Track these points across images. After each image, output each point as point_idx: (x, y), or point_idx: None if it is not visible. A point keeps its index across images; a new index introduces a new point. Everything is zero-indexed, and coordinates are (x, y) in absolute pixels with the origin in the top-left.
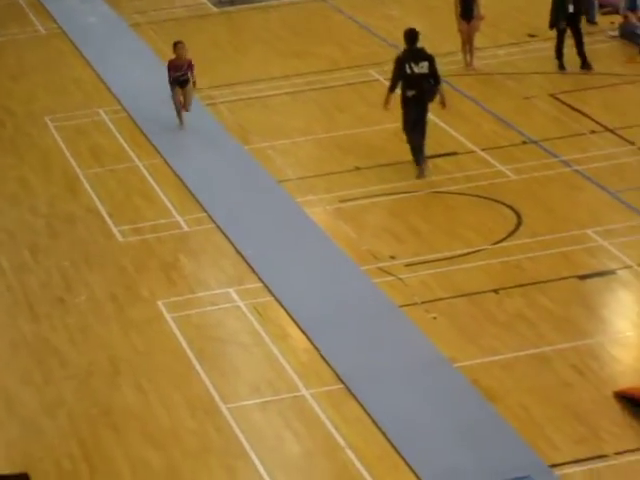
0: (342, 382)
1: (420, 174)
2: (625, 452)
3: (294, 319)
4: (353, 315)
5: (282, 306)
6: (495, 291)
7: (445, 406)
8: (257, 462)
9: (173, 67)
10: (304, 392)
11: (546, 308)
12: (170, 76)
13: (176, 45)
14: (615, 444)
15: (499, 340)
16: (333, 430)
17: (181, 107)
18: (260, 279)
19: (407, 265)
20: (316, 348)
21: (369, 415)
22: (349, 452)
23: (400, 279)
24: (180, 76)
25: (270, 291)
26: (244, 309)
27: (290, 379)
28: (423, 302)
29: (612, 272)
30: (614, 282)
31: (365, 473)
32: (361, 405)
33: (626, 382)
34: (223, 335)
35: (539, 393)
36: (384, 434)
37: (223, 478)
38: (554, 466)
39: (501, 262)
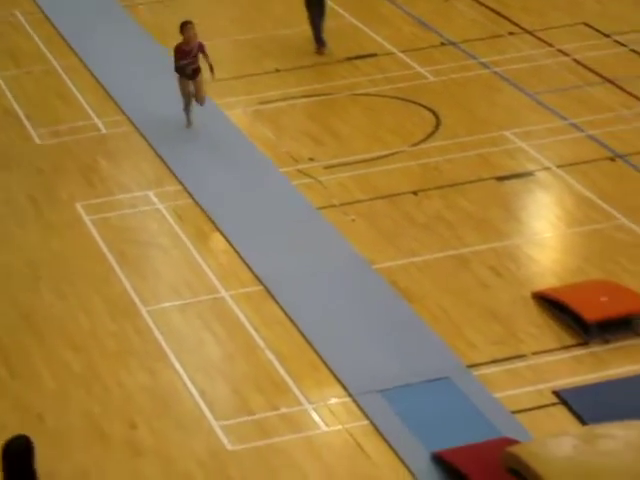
0: (261, 284)
1: (317, 51)
2: (542, 352)
3: (213, 221)
4: (272, 217)
5: (201, 208)
6: (414, 193)
7: (364, 307)
8: (177, 364)
9: (181, 53)
10: (223, 294)
11: (464, 210)
12: (177, 64)
13: (184, 26)
14: (532, 344)
15: (418, 241)
16: (253, 331)
17: (193, 100)
18: (179, 181)
19: (326, 167)
20: (235, 250)
21: (288, 316)
22: (269, 353)
23: (319, 181)
24: (189, 64)
25: (189, 193)
26: (163, 212)
27: (209, 281)
28: (342, 204)
29: (530, 174)
30: (532, 184)
31: (284, 374)
32: (280, 307)
33: (543, 283)
34: (142, 238)
35: (457, 294)
36: (303, 335)
37: (143, 380)
38: (472, 366)
39: (420, 164)
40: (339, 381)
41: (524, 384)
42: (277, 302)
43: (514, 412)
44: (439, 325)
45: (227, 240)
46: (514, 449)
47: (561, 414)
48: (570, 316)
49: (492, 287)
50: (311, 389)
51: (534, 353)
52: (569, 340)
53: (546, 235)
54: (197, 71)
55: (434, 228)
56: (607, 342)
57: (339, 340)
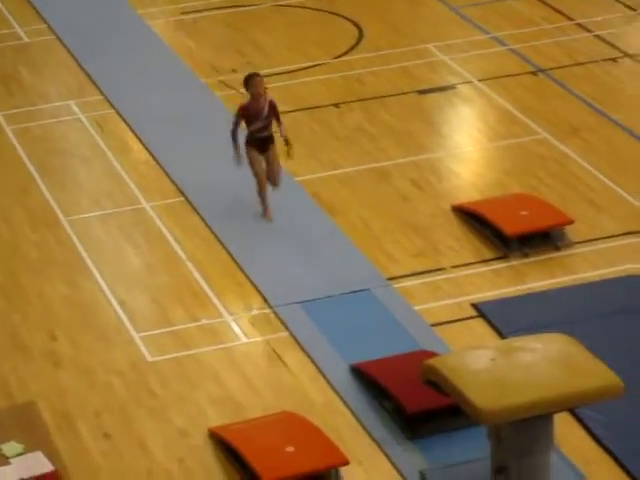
0: (183, 195)
1: None
2: (462, 265)
3: (135, 132)
4: (194, 128)
5: (123, 119)
6: (336, 105)
7: (285, 219)
8: (97, 275)
9: (248, 116)
10: (144, 205)
11: (386, 123)
12: (238, 129)
13: (251, 80)
14: (452, 257)
15: (339, 154)
16: (173, 243)
17: (266, 183)
18: (101, 92)
19: None
20: (157, 161)
21: (209, 228)
22: (189, 265)
23: (241, 93)
24: (261, 130)
25: (111, 104)
26: (85, 122)
27: (130, 192)
28: None
29: (452, 87)
30: (454, 97)
31: (205, 286)
32: (201, 218)
33: (464, 197)
34: (63, 148)
35: (378, 207)
36: (224, 247)
37: (63, 291)
38: (392, 279)
39: (342, 76)
40: (259, 293)
41: (443, 297)
42: (198, 213)
43: (433, 325)
44: (360, 237)
45: (148, 151)
46: (432, 361)
47: (480, 327)
48: (490, 229)
49: (413, 200)
50: (231, 301)
51: (454, 266)
52: (489, 253)
53: (467, 149)
54: (270, 140)
55: (356, 141)
56: (526, 256)
57: (260, 252)
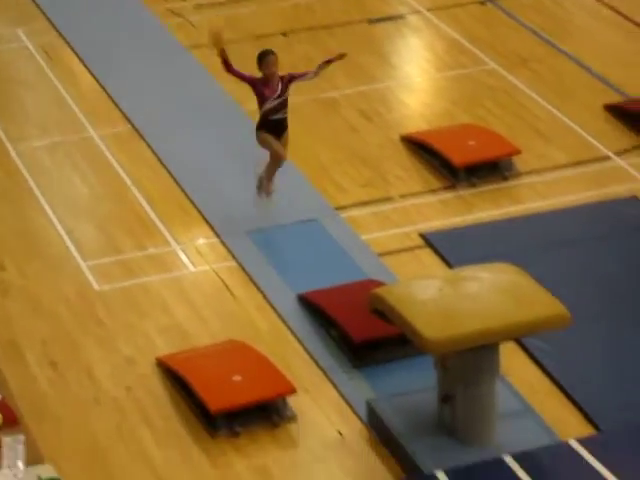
0: (130, 123)
1: None
2: (410, 195)
3: (82, 60)
4: (142, 55)
5: (71, 47)
6: (283, 34)
7: (233, 149)
8: (45, 204)
9: (259, 95)
10: (92, 133)
11: (334, 52)
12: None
13: (263, 59)
14: (400, 187)
15: None
16: (121, 172)
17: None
18: (49, 19)
19: (196, 7)
20: (104, 89)
21: (157, 157)
22: (137, 194)
23: (189, 21)
24: (275, 110)
25: (59, 32)
26: (32, 50)
27: (78, 120)
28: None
29: (401, 17)
30: (403, 27)
31: (153, 215)
32: (149, 147)
33: (412, 127)
34: (10, 76)
35: (327, 137)
36: (172, 176)
37: (11, 220)
38: (340, 209)
39: (291, 4)
40: (207, 222)
41: (391, 227)
42: (146, 142)
43: (381, 254)
44: (308, 168)
45: (96, 79)
46: (380, 291)
47: (427, 257)
48: (438, 159)
49: (361, 130)
50: (179, 230)
51: (402, 196)
52: (436, 183)
53: (416, 79)
54: (285, 124)
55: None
56: (474, 186)
57: (207, 181)
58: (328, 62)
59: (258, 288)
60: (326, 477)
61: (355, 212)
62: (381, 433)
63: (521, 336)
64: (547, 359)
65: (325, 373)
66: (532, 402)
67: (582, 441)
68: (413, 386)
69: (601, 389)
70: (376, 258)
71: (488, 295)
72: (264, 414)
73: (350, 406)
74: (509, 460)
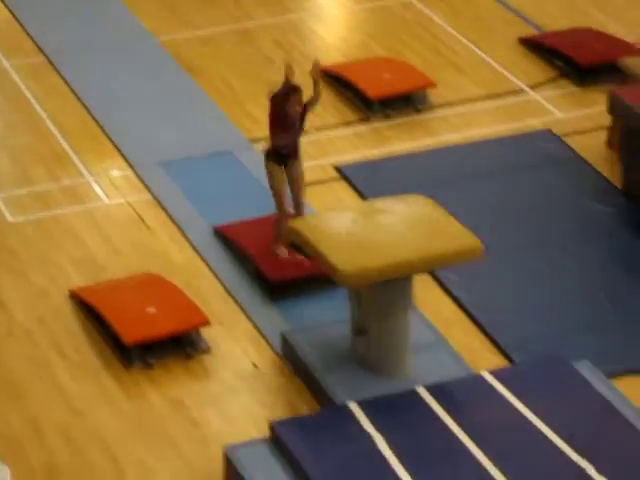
0: (44, 54)
1: None
2: (325, 128)
3: None
4: None
5: None
6: None
7: (148, 80)
8: None
9: (274, 124)
10: (5, 64)
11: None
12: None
13: (291, 94)
14: (315, 119)
15: (201, 14)
16: (34, 103)
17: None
18: None
19: None
20: (17, 20)
21: (71, 89)
22: (50, 125)
23: None
24: (286, 147)
25: None
26: None
27: None
28: None
29: None
30: None
31: (67, 146)
32: (63, 78)
33: (328, 59)
34: None
35: (242, 69)
36: (86, 108)
37: None
38: (255, 141)
39: None
40: (121, 154)
41: (306, 159)
42: (60, 74)
43: None
44: (223, 100)
45: (9, 9)
46: (294, 223)
47: (342, 189)
48: (353, 92)
49: (277, 62)
50: (93, 161)
51: (317, 128)
52: (351, 116)
53: (332, 11)
54: (295, 152)
55: (217, 1)
56: (388, 118)
57: (121, 112)
58: (315, 82)
59: (173, 220)
60: (240, 408)
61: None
62: (295, 365)
63: (434, 268)
64: (460, 291)
65: (240, 305)
66: (445, 334)
67: (494, 373)
68: (327, 318)
69: (513, 321)
70: None
71: (402, 227)
72: (178, 346)
73: (264, 338)
74: (422, 392)
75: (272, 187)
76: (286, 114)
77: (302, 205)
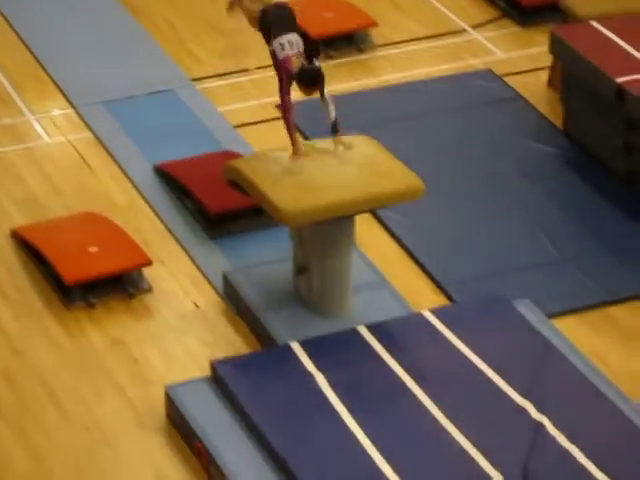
0: None
1: None
2: (266, 67)
3: None
4: None
5: None
6: None
7: (87, 19)
8: None
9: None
10: None
11: None
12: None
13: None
14: (257, 59)
15: None
16: None
17: None
18: None
19: None
20: None
21: (10, 24)
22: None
23: None
24: None
25: None
26: None
27: None
28: None
29: None
30: None
31: (7, 85)
32: (2, 15)
33: None
34: None
35: (183, 7)
36: (26, 45)
37: None
38: (197, 80)
39: None
40: (62, 92)
41: (248, 98)
42: (1, 12)
43: (237, 126)
44: (164, 38)
45: None
46: (235, 162)
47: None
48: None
49: (218, 0)
50: (34, 100)
51: (258, 67)
52: None
53: None
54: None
55: None
56: (330, 58)
57: (63, 51)
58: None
59: (114, 159)
60: (181, 348)
61: (211, 83)
62: (237, 304)
63: (376, 208)
64: (402, 231)
65: (181, 245)
66: (387, 274)
67: (435, 312)
68: (269, 258)
69: (454, 260)
70: (232, 130)
71: (344, 167)
72: (120, 286)
73: (206, 278)
74: (363, 331)
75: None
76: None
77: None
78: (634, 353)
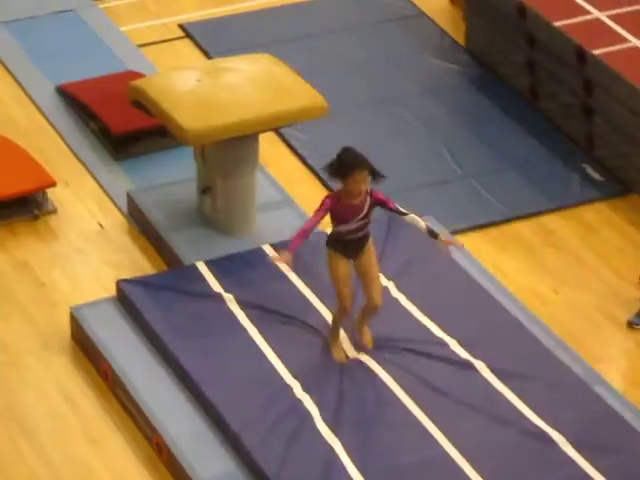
0: None
1: None
2: None
3: None
4: None
5: None
6: None
7: None
8: None
9: (337, 213)
10: None
11: None
12: (315, 226)
13: (353, 170)
14: None
15: None
16: None
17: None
18: None
19: None
20: None
21: None
22: None
23: None
24: (354, 231)
25: None
26: None
27: None
28: None
29: None
30: None
31: None
32: None
33: None
34: None
35: None
36: None
37: None
38: None
39: None
40: None
41: (150, 17)
42: None
43: (140, 46)
44: None
45: None
46: (138, 82)
47: (186, 48)
48: None
49: None
50: None
51: None
52: None
53: None
54: (365, 240)
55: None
56: None
57: None
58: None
59: (16, 81)
60: (87, 268)
61: (113, 3)
62: (142, 225)
63: (279, 126)
64: (305, 149)
65: (85, 166)
66: (291, 192)
67: None
68: (173, 178)
69: None
70: (135, 49)
71: (247, 86)
72: (24, 207)
73: (110, 198)
74: (268, 249)
75: (336, 285)
76: (346, 197)
77: (376, 298)
78: (535, 269)
